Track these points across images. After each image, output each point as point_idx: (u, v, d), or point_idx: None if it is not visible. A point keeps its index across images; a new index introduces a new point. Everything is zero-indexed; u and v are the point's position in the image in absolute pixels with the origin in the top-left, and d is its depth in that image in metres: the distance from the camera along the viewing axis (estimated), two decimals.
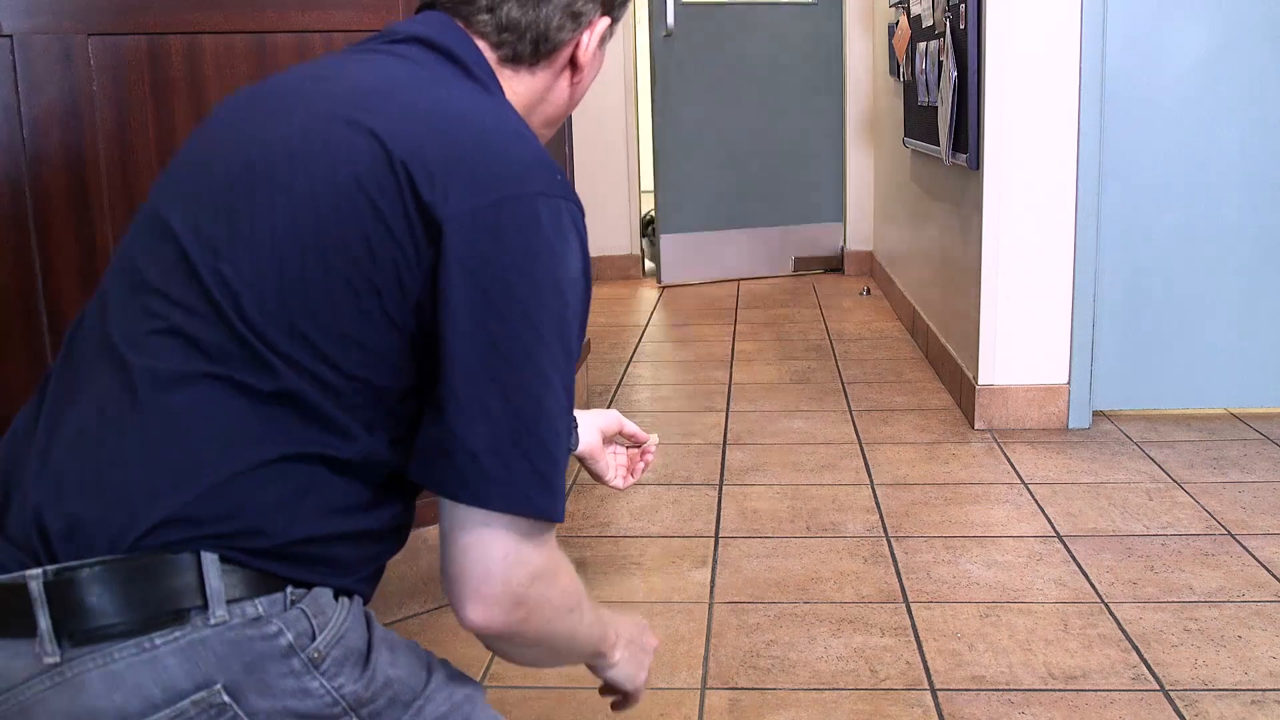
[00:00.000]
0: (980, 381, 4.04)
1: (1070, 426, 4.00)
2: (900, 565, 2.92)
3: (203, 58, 2.32)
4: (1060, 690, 2.31)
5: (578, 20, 1.48)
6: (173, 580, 1.28)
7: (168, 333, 1.34)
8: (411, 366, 1.34)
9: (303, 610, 1.33)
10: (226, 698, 1.28)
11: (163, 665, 1.27)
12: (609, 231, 7.29)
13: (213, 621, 1.28)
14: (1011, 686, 2.32)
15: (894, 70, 5.84)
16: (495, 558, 1.34)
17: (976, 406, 4.03)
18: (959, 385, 4.31)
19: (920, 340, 5.24)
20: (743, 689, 2.33)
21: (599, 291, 6.86)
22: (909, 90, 5.32)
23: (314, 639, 1.32)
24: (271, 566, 1.32)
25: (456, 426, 1.31)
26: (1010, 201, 3.94)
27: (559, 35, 1.48)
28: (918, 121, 5.07)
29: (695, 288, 6.97)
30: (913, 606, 2.69)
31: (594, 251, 7.16)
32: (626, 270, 7.36)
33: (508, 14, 1.45)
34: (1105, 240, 3.98)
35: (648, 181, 7.77)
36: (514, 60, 1.48)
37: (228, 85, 2.32)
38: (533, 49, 1.48)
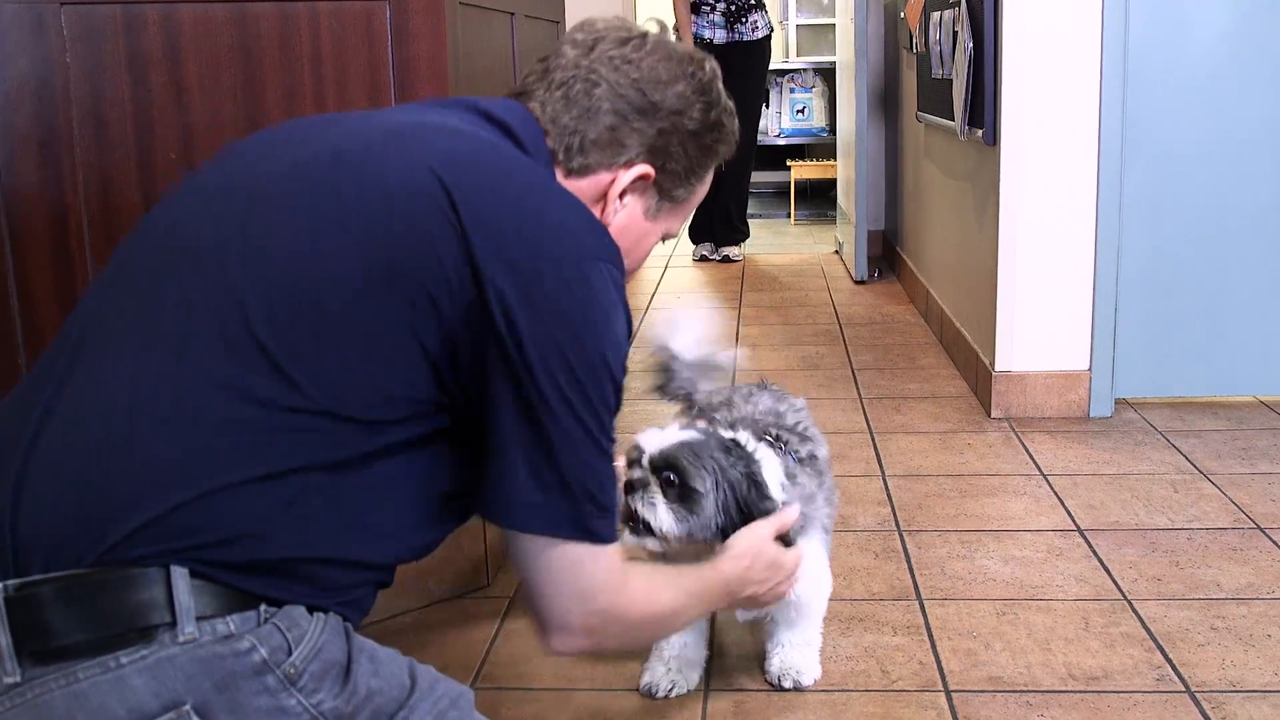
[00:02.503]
0: (997, 368, 4.04)
1: (1091, 415, 4.00)
2: (913, 560, 2.91)
3: (180, 28, 2.32)
4: (1081, 692, 2.31)
5: (618, 151, 1.61)
6: (139, 595, 1.28)
7: (174, 336, 1.36)
8: (426, 395, 1.40)
9: (276, 625, 1.33)
10: (195, 718, 1.28)
11: (128, 685, 1.27)
12: None
13: (181, 639, 1.28)
14: (1030, 688, 2.32)
15: (907, 43, 5.83)
16: (563, 592, 1.46)
17: (993, 394, 4.03)
18: (975, 372, 4.31)
19: (934, 324, 5.23)
20: (748, 690, 2.33)
21: None
22: (922, 63, 5.31)
23: (290, 654, 1.32)
24: (246, 582, 1.32)
25: (506, 468, 1.40)
26: (1028, 178, 3.93)
27: (595, 155, 1.60)
28: (931, 95, 5.06)
29: (697, 265, 6.95)
30: (926, 604, 2.69)
31: None
32: None
33: (553, 107, 1.59)
34: (1128, 219, 3.97)
35: None
36: (564, 157, 1.60)
37: (206, 57, 2.31)
38: (564, 153, 1.60)
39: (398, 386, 1.38)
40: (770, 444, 2.22)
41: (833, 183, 8.73)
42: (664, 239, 1.74)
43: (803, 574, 2.17)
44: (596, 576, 1.49)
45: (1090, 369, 4.00)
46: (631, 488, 2.02)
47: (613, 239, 1.49)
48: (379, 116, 1.54)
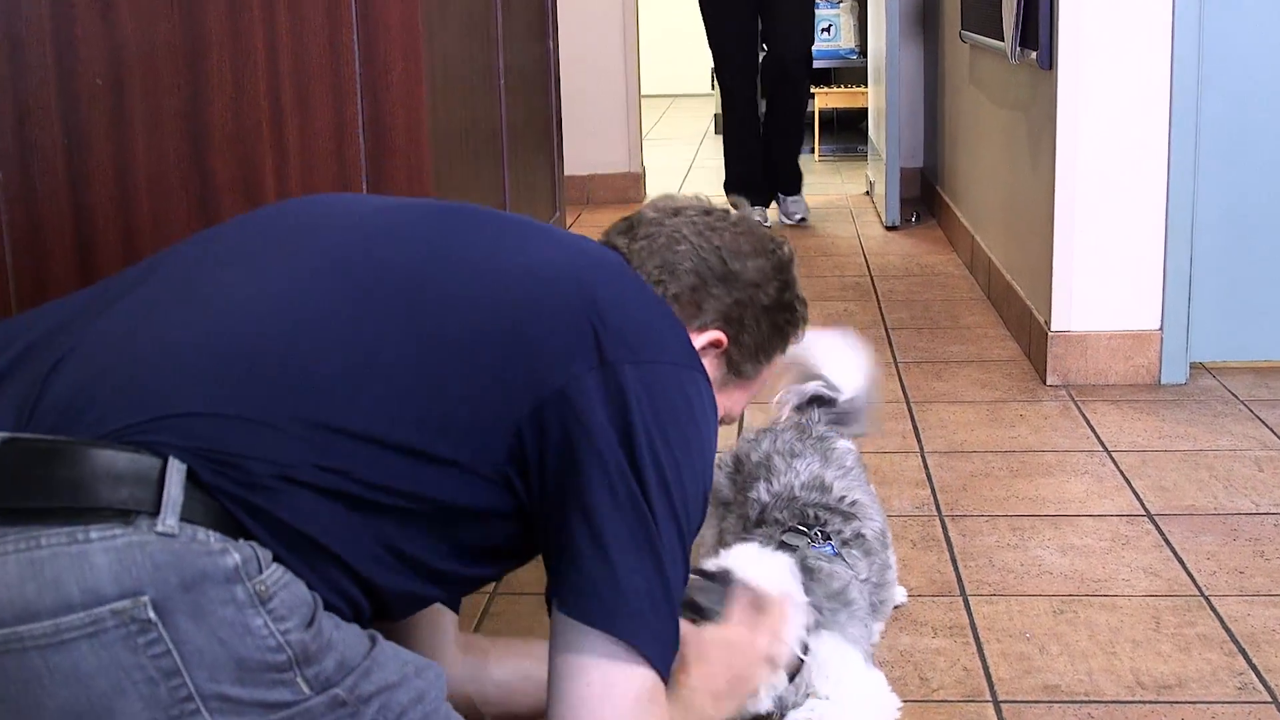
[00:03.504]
0: (1054, 327, 4.03)
1: (1162, 382, 3.99)
2: (956, 551, 2.92)
3: None
4: (1151, 702, 2.30)
5: (694, 313, 1.81)
6: (130, 473, 1.38)
7: (273, 296, 1.56)
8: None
9: (254, 547, 1.42)
10: (152, 614, 1.36)
11: (90, 562, 1.35)
12: (603, 145, 7.27)
13: (160, 529, 1.37)
14: (1091, 697, 2.32)
15: None
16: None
17: (1049, 357, 4.02)
18: (1028, 332, 4.30)
19: (981, 277, 5.23)
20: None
21: (593, 218, 6.85)
22: None
23: (261, 571, 1.41)
24: (240, 514, 1.43)
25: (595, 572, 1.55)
26: (1090, 109, 3.91)
27: (679, 308, 1.79)
28: (978, 11, 5.03)
29: None
30: (971, 601, 2.69)
31: (584, 169, 7.16)
32: (624, 192, 7.34)
33: (638, 256, 1.82)
34: (1205, 155, 3.95)
35: (649, 83, 7.73)
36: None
37: None
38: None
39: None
40: (799, 534, 2.25)
41: (863, 113, 8.68)
42: (722, 422, 1.85)
43: (837, 690, 2.16)
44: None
45: (1161, 328, 4.00)
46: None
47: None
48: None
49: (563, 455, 1.55)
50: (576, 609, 1.56)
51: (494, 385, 1.54)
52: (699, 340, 1.80)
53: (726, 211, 1.90)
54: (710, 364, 1.82)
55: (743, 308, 1.84)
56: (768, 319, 1.87)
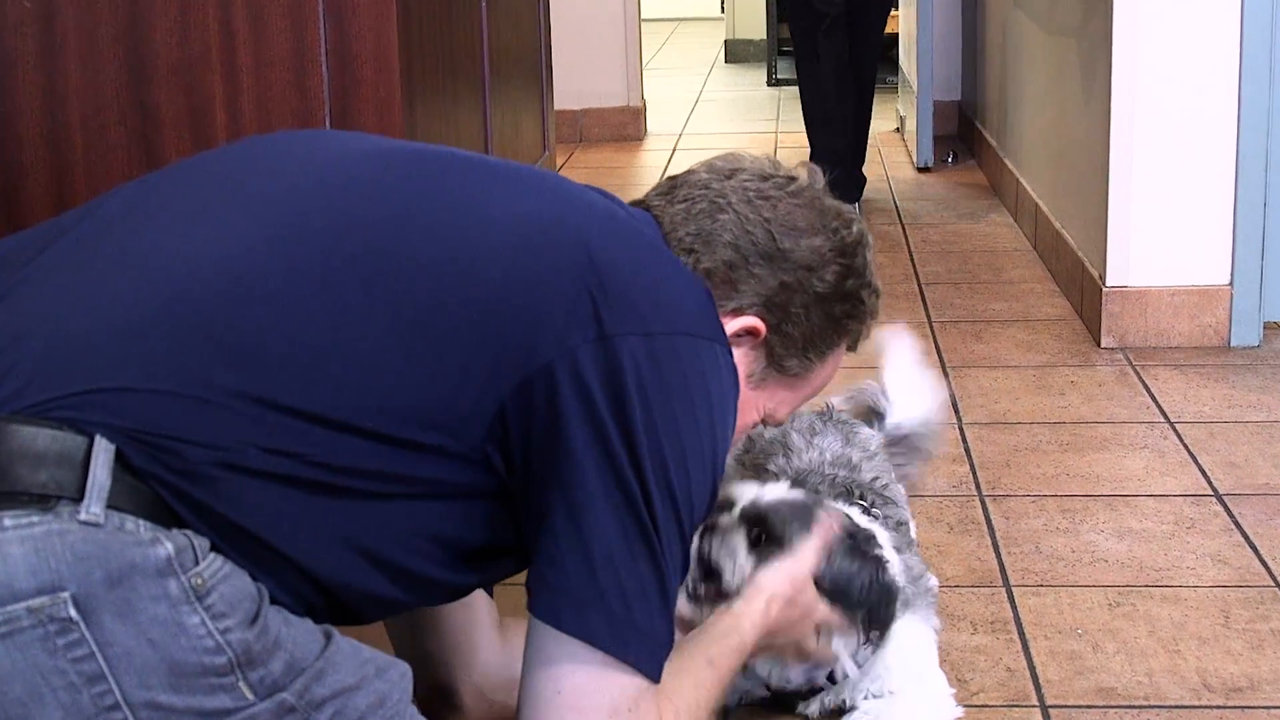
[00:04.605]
0: (1109, 282, 4.02)
1: (1232, 344, 3.99)
2: (999, 536, 2.91)
3: None
4: (1219, 707, 2.30)
5: (729, 294, 1.76)
6: (51, 453, 1.37)
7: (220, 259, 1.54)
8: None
9: (189, 536, 1.41)
10: (73, 612, 1.35)
11: (2, 554, 1.34)
12: (598, 75, 7.25)
13: (83, 517, 1.36)
14: (1152, 702, 2.32)
15: None
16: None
17: (1104, 316, 4.02)
18: (1080, 287, 4.30)
19: (1026, 225, 5.22)
20: (780, 710, 2.33)
21: (587, 157, 6.84)
22: None
23: (197, 563, 1.40)
24: (176, 502, 1.42)
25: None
26: (1150, 32, 3.90)
27: (710, 285, 1.74)
28: None
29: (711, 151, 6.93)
30: (1016, 593, 2.68)
31: (576, 103, 7.14)
32: (622, 128, 7.34)
33: (672, 218, 1.77)
34: None
35: (650, 6, 7.71)
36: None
37: None
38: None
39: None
40: (865, 510, 2.28)
41: (893, 39, 8.65)
42: (765, 423, 1.86)
43: (904, 685, 2.22)
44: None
45: (1231, 283, 3.99)
46: (710, 530, 2.08)
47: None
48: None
49: (549, 436, 1.54)
50: (549, 610, 1.57)
51: (474, 361, 1.53)
52: (730, 326, 1.75)
53: (792, 177, 1.83)
54: (745, 355, 1.78)
55: (789, 292, 1.77)
56: (821, 309, 1.80)
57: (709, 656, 1.89)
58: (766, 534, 2.07)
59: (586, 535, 1.54)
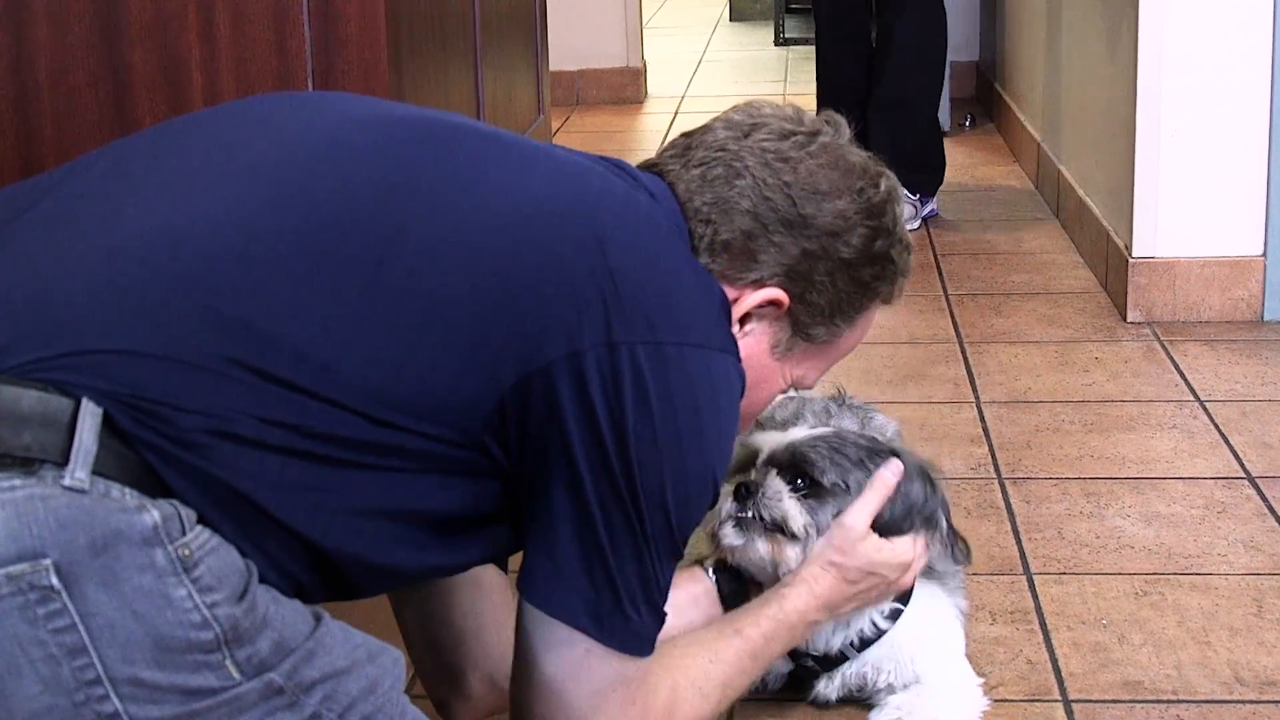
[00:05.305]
0: (1136, 253, 4.02)
1: (1266, 318, 4.00)
2: (1019, 520, 2.92)
3: None
4: (1253, 702, 2.30)
5: (748, 265, 1.75)
6: (36, 415, 1.37)
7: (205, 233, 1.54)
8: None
9: (175, 505, 1.41)
10: (54, 579, 1.35)
11: None
12: (595, 34, 7.25)
13: (67, 482, 1.36)
14: (1180, 696, 2.32)
15: None
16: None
17: (1130, 289, 4.02)
18: (1105, 258, 4.30)
19: (1048, 193, 5.22)
20: (789, 702, 2.33)
21: (584, 121, 6.83)
22: None
23: (184, 533, 1.40)
24: (164, 468, 1.42)
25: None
26: None
27: (722, 262, 1.75)
28: None
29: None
30: (1037, 581, 2.69)
31: (573, 64, 7.14)
32: (621, 90, 7.33)
33: (688, 185, 1.77)
34: None
35: None
36: (696, 240, 1.76)
37: None
38: (695, 240, 1.76)
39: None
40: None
41: None
42: (794, 387, 1.90)
43: (926, 663, 2.27)
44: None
45: (1265, 254, 3.99)
46: (745, 492, 2.15)
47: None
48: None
49: (546, 433, 1.57)
50: (538, 595, 1.62)
51: (476, 353, 1.54)
52: (751, 299, 1.76)
53: (815, 132, 1.81)
54: (768, 326, 1.80)
55: (813, 260, 1.76)
56: (847, 274, 1.79)
57: (737, 627, 1.96)
58: (807, 477, 2.15)
59: (579, 529, 1.58)
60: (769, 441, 2.20)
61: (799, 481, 2.16)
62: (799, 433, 2.22)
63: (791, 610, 2.04)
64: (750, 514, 2.16)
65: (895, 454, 2.20)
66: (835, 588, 2.11)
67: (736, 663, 1.90)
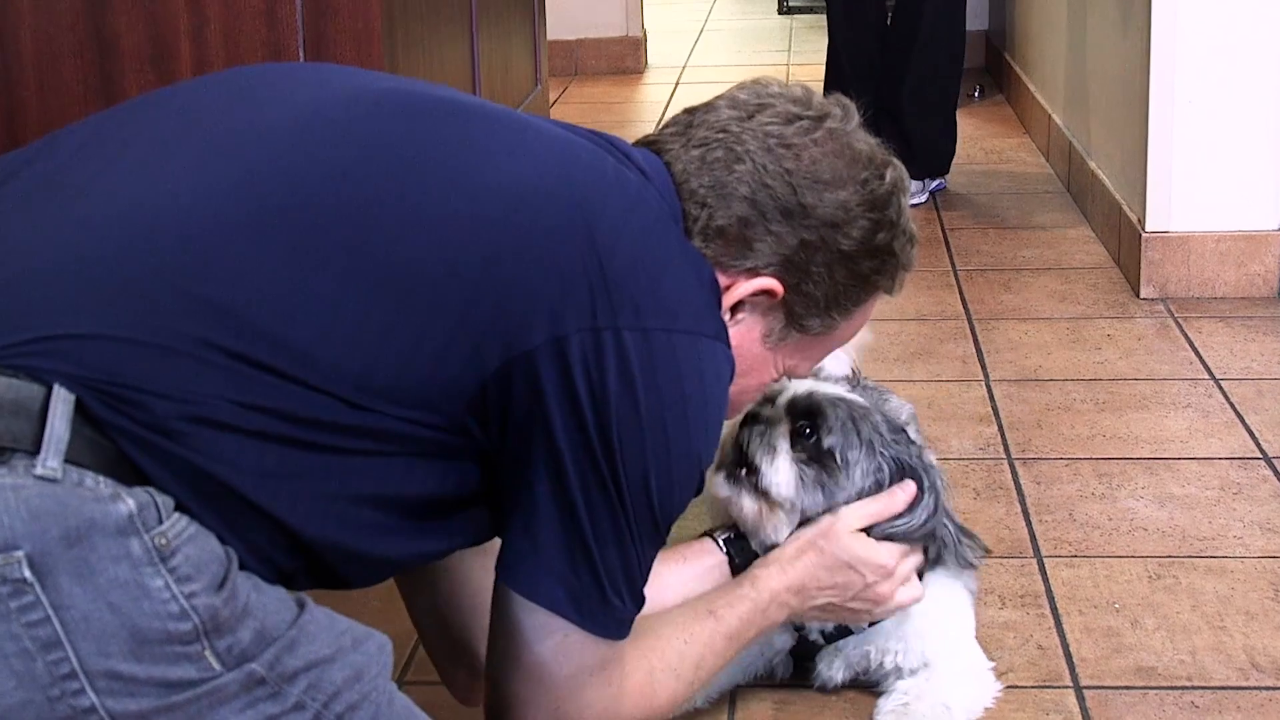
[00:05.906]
0: (1149, 227, 4.02)
1: None
2: (1029, 502, 2.92)
3: None
4: (1269, 688, 2.30)
5: (742, 253, 1.75)
6: (6, 403, 1.37)
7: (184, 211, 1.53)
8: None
9: (151, 493, 1.41)
10: (27, 572, 1.35)
11: None
12: (595, 3, 7.24)
13: (39, 471, 1.36)
14: (1195, 683, 2.32)
15: None
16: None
17: (1144, 264, 4.01)
18: (1117, 233, 4.29)
19: (1059, 166, 5.22)
20: (793, 689, 2.33)
21: (582, 92, 6.83)
22: None
23: (160, 522, 1.40)
24: (139, 455, 1.42)
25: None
26: None
27: (716, 248, 1.74)
28: None
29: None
30: (1048, 564, 2.69)
31: (571, 33, 7.14)
32: (620, 60, 7.32)
33: (686, 165, 1.76)
34: None
35: None
36: (690, 223, 1.75)
37: None
38: (689, 222, 1.75)
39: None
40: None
41: None
42: (787, 376, 1.92)
43: (935, 646, 2.26)
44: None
45: None
46: (753, 420, 2.14)
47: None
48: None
49: (529, 418, 1.58)
50: (516, 578, 1.65)
51: (457, 335, 1.54)
52: (744, 288, 1.75)
53: (822, 118, 1.79)
54: (761, 315, 1.79)
55: (810, 251, 1.75)
56: (846, 267, 1.78)
57: (711, 607, 1.98)
58: (816, 432, 2.14)
59: (561, 514, 1.61)
60: (797, 385, 2.18)
61: (806, 431, 2.14)
62: (829, 387, 2.21)
63: (764, 589, 2.05)
64: (741, 470, 2.15)
65: (917, 471, 2.18)
66: (810, 573, 2.10)
67: (710, 643, 1.92)
